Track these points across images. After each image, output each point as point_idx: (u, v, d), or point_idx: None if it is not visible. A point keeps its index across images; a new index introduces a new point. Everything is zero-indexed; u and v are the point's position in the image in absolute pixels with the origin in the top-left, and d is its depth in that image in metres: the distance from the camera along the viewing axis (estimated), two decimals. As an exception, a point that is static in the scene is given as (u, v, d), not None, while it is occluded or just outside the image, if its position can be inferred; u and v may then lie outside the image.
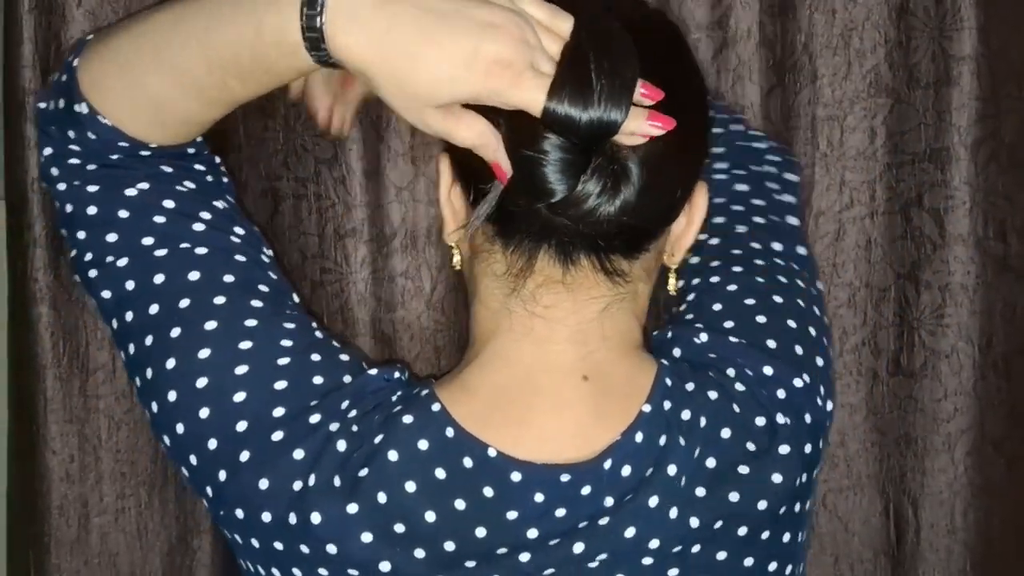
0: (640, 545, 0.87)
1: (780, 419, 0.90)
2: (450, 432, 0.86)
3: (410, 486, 0.84)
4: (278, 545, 0.86)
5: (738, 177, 1.07)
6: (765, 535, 0.90)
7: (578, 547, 0.86)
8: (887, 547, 1.21)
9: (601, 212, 0.81)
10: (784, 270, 1.00)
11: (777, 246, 1.02)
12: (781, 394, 0.91)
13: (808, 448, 0.91)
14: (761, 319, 0.95)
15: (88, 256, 0.91)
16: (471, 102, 0.79)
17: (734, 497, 0.88)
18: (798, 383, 0.92)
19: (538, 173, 0.80)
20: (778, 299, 0.98)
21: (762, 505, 0.89)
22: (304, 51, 0.80)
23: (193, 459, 0.87)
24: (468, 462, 0.85)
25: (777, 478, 0.89)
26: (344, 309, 1.16)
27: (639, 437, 0.87)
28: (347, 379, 0.88)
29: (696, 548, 0.88)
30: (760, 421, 0.90)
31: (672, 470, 0.87)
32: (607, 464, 0.86)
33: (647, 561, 0.88)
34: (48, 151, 0.91)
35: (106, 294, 0.90)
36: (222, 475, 0.86)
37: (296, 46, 0.80)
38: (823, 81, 1.16)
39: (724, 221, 1.04)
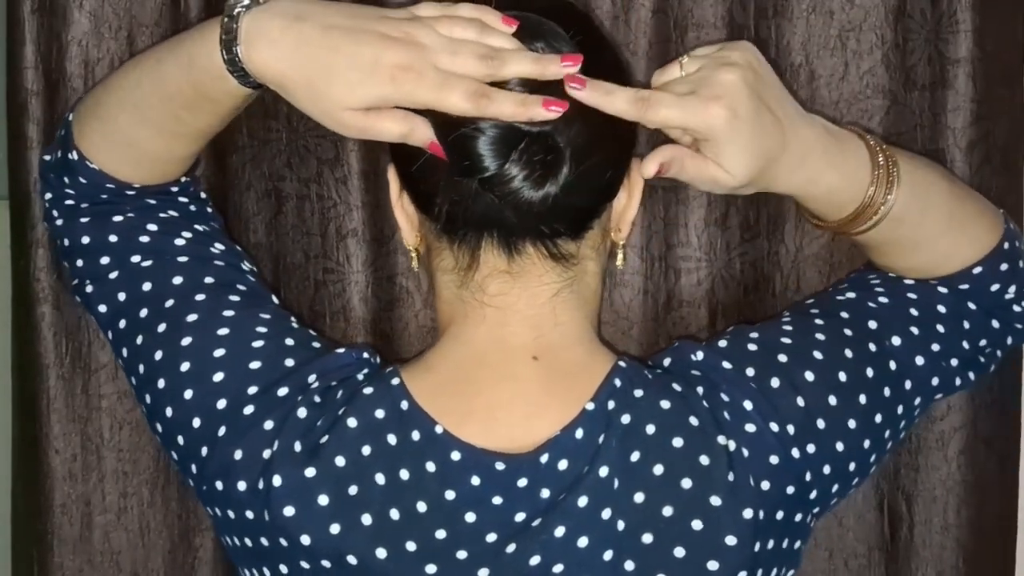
0: (569, 545, 0.89)
1: (739, 448, 0.90)
2: (404, 405, 0.91)
3: (366, 449, 0.90)
4: (249, 514, 0.91)
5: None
6: (712, 565, 0.89)
7: (511, 547, 0.89)
8: (881, 542, 1.22)
9: (528, 195, 0.86)
10: (879, 362, 0.99)
11: (896, 340, 1.00)
12: (750, 428, 0.91)
13: (766, 486, 0.91)
14: (783, 358, 0.95)
15: (87, 280, 1.01)
16: (385, 105, 0.86)
17: (667, 511, 0.89)
18: (774, 427, 0.92)
19: (471, 146, 0.86)
20: (842, 375, 0.96)
21: (696, 525, 0.89)
22: (228, 74, 0.89)
23: (180, 439, 0.94)
24: (416, 435, 0.90)
25: (716, 500, 0.89)
26: (346, 309, 1.16)
27: (579, 434, 0.90)
28: (315, 358, 0.94)
29: (630, 564, 0.89)
30: (721, 440, 0.91)
31: (604, 471, 0.89)
32: (544, 458, 0.90)
33: (585, 562, 0.89)
34: (48, 196, 1.03)
35: (102, 308, 1.00)
36: (204, 451, 0.93)
37: (221, 69, 0.90)
38: (820, 82, 1.16)
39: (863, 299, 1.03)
